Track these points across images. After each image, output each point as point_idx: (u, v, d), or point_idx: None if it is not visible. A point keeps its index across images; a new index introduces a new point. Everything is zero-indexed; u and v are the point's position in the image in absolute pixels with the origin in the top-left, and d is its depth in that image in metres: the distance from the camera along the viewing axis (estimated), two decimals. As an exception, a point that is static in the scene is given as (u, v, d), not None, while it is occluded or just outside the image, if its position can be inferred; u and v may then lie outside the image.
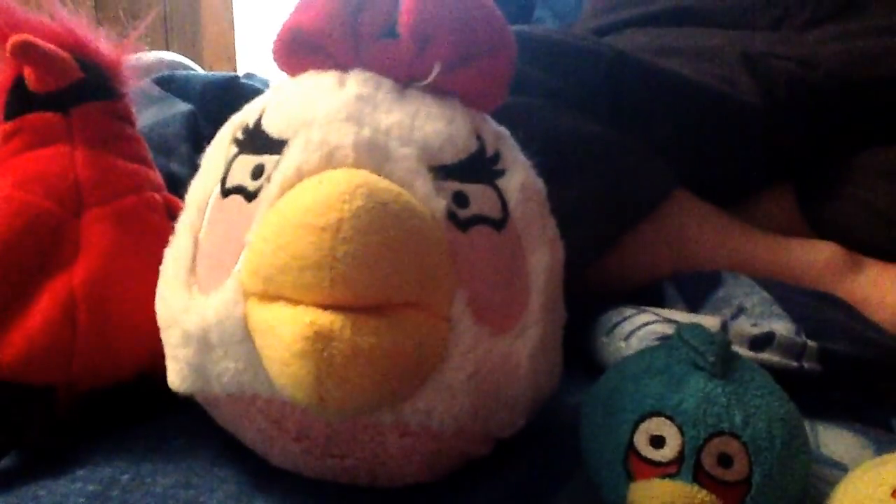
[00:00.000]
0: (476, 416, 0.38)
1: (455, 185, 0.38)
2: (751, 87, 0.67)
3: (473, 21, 0.39)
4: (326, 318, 0.32)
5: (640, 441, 0.36)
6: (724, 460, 0.35)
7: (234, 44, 2.39)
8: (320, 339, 0.31)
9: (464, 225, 0.37)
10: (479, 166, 0.39)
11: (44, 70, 0.46)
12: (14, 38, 0.44)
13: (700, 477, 0.35)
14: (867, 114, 0.69)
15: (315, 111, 0.38)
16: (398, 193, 0.34)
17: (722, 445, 0.35)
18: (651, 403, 0.36)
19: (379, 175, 0.36)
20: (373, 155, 0.36)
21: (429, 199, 0.36)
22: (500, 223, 0.39)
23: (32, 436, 0.44)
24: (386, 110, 0.38)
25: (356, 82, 0.39)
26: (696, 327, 0.39)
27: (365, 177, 0.34)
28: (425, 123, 0.38)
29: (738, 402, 0.36)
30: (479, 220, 0.38)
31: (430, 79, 0.39)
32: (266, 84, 0.83)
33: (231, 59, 2.36)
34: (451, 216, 0.37)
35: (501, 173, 0.40)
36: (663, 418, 0.36)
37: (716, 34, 0.74)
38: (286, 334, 0.32)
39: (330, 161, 0.36)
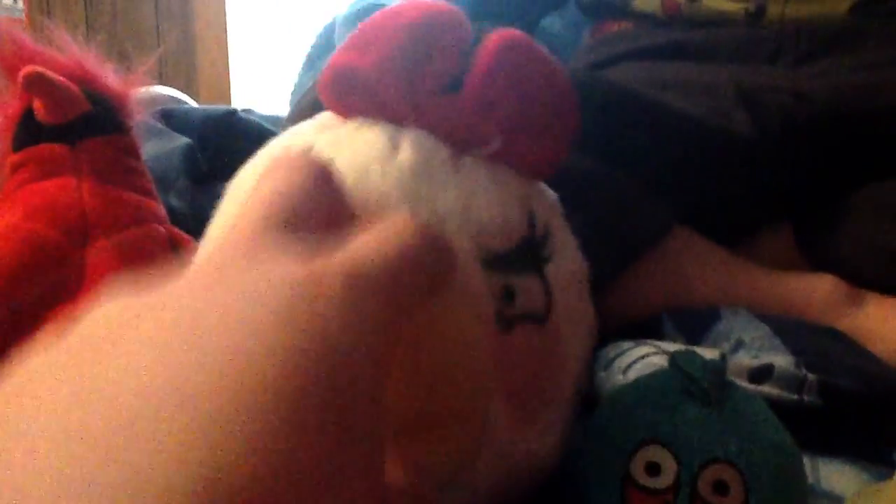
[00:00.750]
0: (492, 497, 0.37)
1: (503, 279, 0.35)
2: (746, 121, 0.68)
3: (543, 91, 0.37)
4: None
5: (637, 469, 0.36)
6: (720, 487, 0.35)
7: (228, 82, 2.41)
8: None
9: (509, 324, 0.35)
10: (528, 253, 0.37)
11: (53, 102, 0.47)
12: (25, 70, 0.45)
13: (696, 504, 0.34)
14: (863, 148, 0.69)
15: (367, 183, 0.35)
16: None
17: (718, 472, 0.35)
18: (647, 431, 0.36)
19: None
20: None
21: (479, 301, 0.33)
22: (543, 318, 0.37)
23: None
24: (441, 187, 0.35)
25: (411, 146, 0.36)
26: (691, 354, 0.39)
27: None
28: (481, 205, 0.36)
29: (734, 429, 0.36)
30: (524, 318, 0.36)
31: (491, 149, 0.37)
32: (264, 119, 0.84)
33: (226, 97, 2.38)
34: (498, 317, 0.35)
35: (549, 259, 0.38)
36: (659, 446, 0.36)
37: (710, 68, 0.74)
38: None
39: None
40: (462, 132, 0.37)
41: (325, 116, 0.40)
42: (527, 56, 0.36)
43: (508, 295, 0.35)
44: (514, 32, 0.36)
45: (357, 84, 0.37)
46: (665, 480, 0.35)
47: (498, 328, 0.35)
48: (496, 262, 0.35)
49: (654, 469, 0.36)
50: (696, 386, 0.37)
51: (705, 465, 0.35)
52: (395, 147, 0.36)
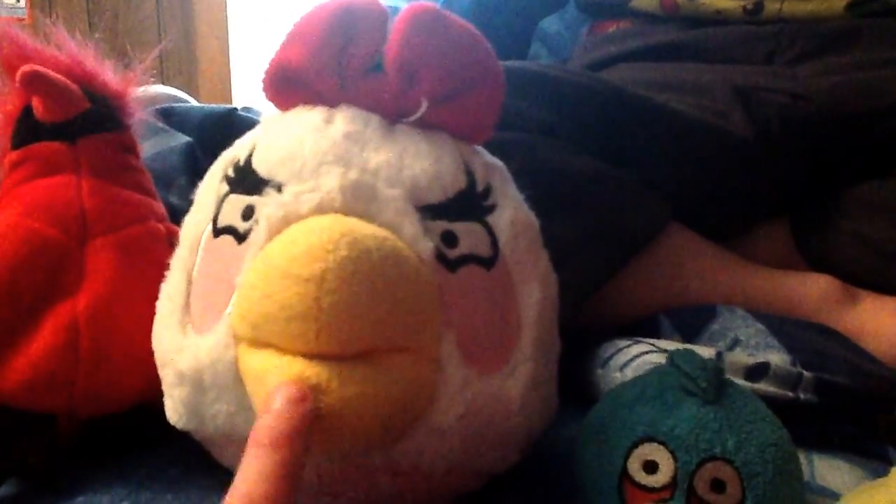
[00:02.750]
0: (467, 455, 0.38)
1: (443, 225, 0.38)
2: (743, 121, 0.68)
3: (460, 54, 0.39)
4: (313, 371, 0.32)
5: (634, 467, 0.36)
6: (717, 485, 0.35)
7: (229, 80, 2.41)
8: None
9: (453, 265, 0.37)
10: (468, 203, 0.39)
11: (52, 100, 0.47)
12: (23, 69, 0.45)
13: (693, 502, 0.35)
14: (860, 147, 0.70)
15: (303, 151, 0.38)
16: (383, 239, 0.34)
17: (714, 470, 0.35)
18: (644, 429, 0.37)
19: (366, 217, 0.36)
20: (360, 197, 0.36)
21: (416, 240, 0.36)
22: (489, 261, 0.39)
23: (32, 463, 0.44)
24: (374, 149, 0.38)
25: (343, 119, 0.39)
26: (688, 353, 0.39)
27: (350, 224, 0.34)
28: (413, 162, 0.38)
29: (731, 428, 0.36)
30: (469, 259, 0.38)
31: (418, 114, 0.39)
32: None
33: (227, 96, 2.38)
34: (440, 257, 0.37)
35: (492, 209, 0.40)
36: (656, 444, 0.36)
37: (707, 69, 0.75)
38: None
39: (318, 205, 0.36)
40: (391, 104, 0.39)
41: (268, 116, 0.43)
42: (435, 23, 0.38)
43: (450, 238, 0.38)
44: (423, 3, 0.38)
45: (292, 77, 0.40)
46: (662, 478, 0.36)
47: (441, 267, 0.37)
48: (433, 210, 0.38)
49: (651, 467, 0.36)
50: (693, 384, 0.37)
51: (702, 463, 0.35)
52: (329, 122, 0.39)
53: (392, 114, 0.40)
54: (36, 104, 0.47)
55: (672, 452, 0.36)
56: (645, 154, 0.66)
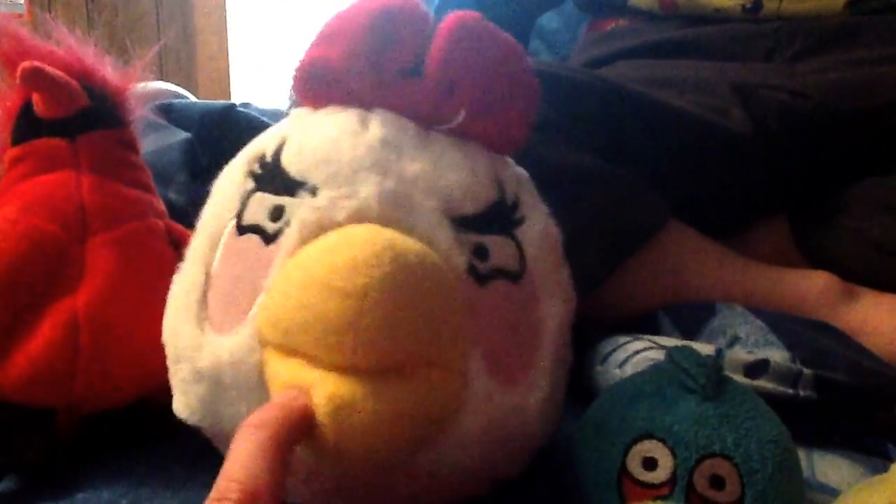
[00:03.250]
0: (485, 464, 0.38)
1: (475, 238, 0.38)
2: (743, 118, 0.68)
3: (501, 67, 0.39)
4: (347, 389, 0.31)
5: (633, 463, 0.36)
6: (716, 482, 0.35)
7: (228, 76, 2.41)
8: (341, 412, 0.31)
9: (483, 280, 0.37)
10: (498, 216, 0.39)
11: (52, 96, 0.47)
12: (24, 65, 0.45)
13: (692, 498, 0.35)
14: (859, 144, 0.70)
15: (339, 156, 0.37)
16: (424, 255, 0.34)
17: (714, 467, 0.35)
18: (643, 426, 0.37)
19: (402, 227, 0.35)
20: (396, 207, 0.36)
21: (451, 254, 0.36)
22: (517, 275, 0.39)
23: (32, 458, 0.44)
24: (410, 157, 0.38)
25: (379, 124, 0.39)
26: (687, 349, 0.39)
27: (390, 237, 0.34)
28: (448, 173, 0.38)
29: (730, 424, 0.36)
30: (498, 273, 0.38)
31: (454, 123, 0.39)
32: (262, 113, 0.84)
33: (225, 92, 2.38)
34: (471, 271, 0.37)
35: (520, 222, 0.40)
36: (655, 440, 0.36)
37: (706, 66, 0.75)
38: None
39: (355, 213, 0.36)
40: (427, 111, 0.39)
41: (298, 112, 0.42)
42: (480, 33, 0.38)
43: (482, 252, 0.38)
44: (467, 13, 0.38)
45: (326, 75, 0.39)
46: (661, 475, 0.36)
47: (472, 281, 0.37)
48: (466, 223, 0.38)
49: (650, 464, 0.36)
50: (692, 381, 0.37)
51: (701, 460, 0.35)
52: (364, 125, 0.39)
53: (427, 120, 0.40)
54: (36, 100, 0.47)
55: (671, 449, 0.36)
56: (644, 151, 0.66)
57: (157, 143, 0.72)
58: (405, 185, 0.37)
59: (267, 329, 0.35)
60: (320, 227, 0.35)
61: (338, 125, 0.39)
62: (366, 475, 0.37)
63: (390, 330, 0.32)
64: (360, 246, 0.33)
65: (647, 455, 0.36)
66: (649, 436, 0.36)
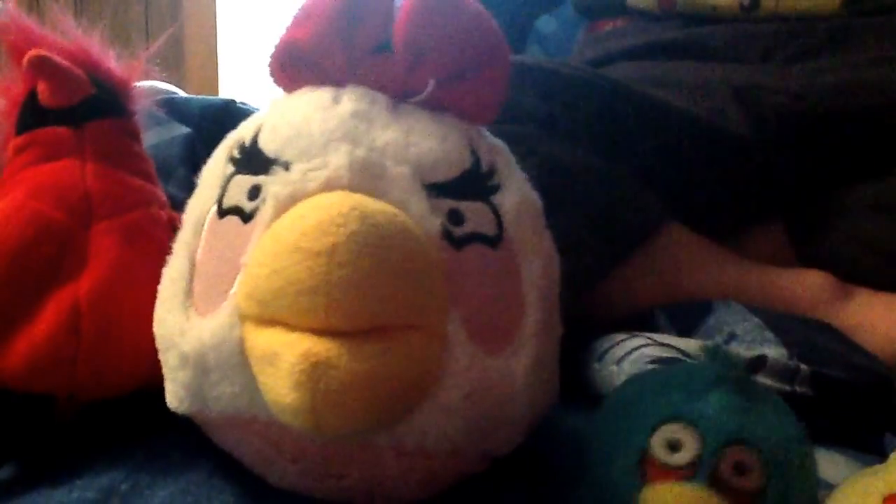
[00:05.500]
0: (472, 435, 0.38)
1: (450, 203, 0.38)
2: (741, 119, 0.69)
3: (468, 35, 0.39)
4: (322, 347, 0.32)
5: (656, 444, 0.36)
6: (741, 469, 0.35)
7: (216, 74, 2.40)
8: (317, 370, 0.31)
9: (458, 243, 0.37)
10: (473, 183, 0.40)
11: (57, 85, 0.47)
12: (30, 53, 0.45)
13: (715, 484, 0.34)
14: (856, 146, 0.71)
15: (310, 130, 0.38)
16: (393, 215, 0.35)
17: (739, 454, 0.35)
18: (671, 409, 0.37)
19: (374, 195, 0.36)
20: (367, 175, 0.37)
21: (423, 218, 0.36)
22: (494, 240, 0.39)
23: (32, 444, 0.43)
24: (381, 127, 0.38)
25: (351, 98, 0.39)
26: (718, 348, 0.40)
27: (359, 199, 0.34)
28: (420, 140, 0.39)
29: (759, 416, 0.36)
30: (474, 238, 0.38)
31: (425, 94, 0.40)
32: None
33: (214, 90, 2.38)
34: (446, 235, 0.37)
35: (496, 189, 0.40)
36: (682, 424, 0.36)
37: (705, 67, 0.75)
38: (282, 363, 0.32)
39: (325, 182, 0.36)
40: (398, 84, 0.40)
41: (275, 98, 0.43)
42: (445, 2, 0.38)
43: (456, 217, 0.38)
44: None
45: (300, 57, 0.40)
46: (685, 457, 0.35)
47: (448, 245, 0.37)
48: (440, 189, 0.38)
49: (674, 446, 0.36)
50: (732, 372, 0.37)
51: (728, 445, 0.35)
52: (336, 100, 0.39)
53: (399, 93, 0.40)
54: (41, 89, 0.48)
55: (699, 432, 0.35)
56: (642, 149, 0.66)
57: (159, 136, 0.72)
58: (376, 153, 0.37)
59: (244, 302, 0.35)
60: (294, 200, 0.36)
61: (310, 103, 0.40)
62: (350, 448, 0.37)
63: (362, 289, 0.32)
64: (328, 208, 0.33)
65: (673, 437, 0.36)
66: (677, 418, 0.36)
